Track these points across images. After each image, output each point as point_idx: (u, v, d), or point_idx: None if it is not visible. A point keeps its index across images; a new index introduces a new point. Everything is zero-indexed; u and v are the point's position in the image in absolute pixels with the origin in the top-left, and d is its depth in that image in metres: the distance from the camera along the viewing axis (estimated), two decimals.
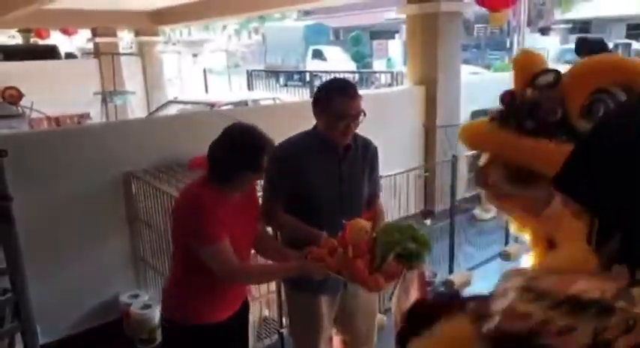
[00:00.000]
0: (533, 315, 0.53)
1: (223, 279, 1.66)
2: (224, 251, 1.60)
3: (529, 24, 21.11)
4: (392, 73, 12.68)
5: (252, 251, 1.92)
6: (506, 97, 0.93)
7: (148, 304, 2.97)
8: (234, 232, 1.64)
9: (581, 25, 22.11)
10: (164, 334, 1.85)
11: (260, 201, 1.92)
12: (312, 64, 19.69)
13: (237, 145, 1.61)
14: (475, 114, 4.86)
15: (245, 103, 6.39)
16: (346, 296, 1.98)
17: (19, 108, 7.27)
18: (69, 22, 8.66)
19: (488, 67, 17.42)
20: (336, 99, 1.78)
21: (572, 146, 0.64)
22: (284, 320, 2.72)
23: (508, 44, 20.87)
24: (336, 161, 1.88)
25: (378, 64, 20.29)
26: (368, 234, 1.63)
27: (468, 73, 8.36)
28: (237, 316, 1.84)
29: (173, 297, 1.78)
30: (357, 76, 13.36)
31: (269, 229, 2.06)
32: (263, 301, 2.83)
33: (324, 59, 20.05)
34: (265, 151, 1.62)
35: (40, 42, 11.73)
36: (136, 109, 8.85)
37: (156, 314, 2.93)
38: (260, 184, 2.00)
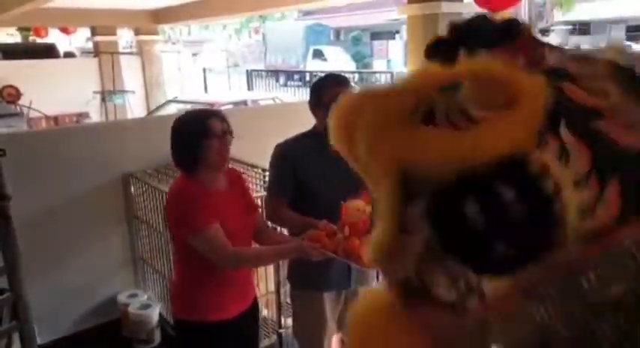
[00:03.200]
0: None
1: (220, 265, 1.67)
2: (215, 236, 1.61)
3: None
4: (392, 73, 12.69)
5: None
6: None
7: (146, 304, 2.96)
8: (225, 219, 1.65)
9: (581, 27, 22.15)
10: (180, 336, 1.84)
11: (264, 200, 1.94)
12: (312, 64, 19.70)
13: (181, 125, 1.72)
14: None
15: (245, 102, 6.39)
16: (349, 295, 1.99)
17: (18, 107, 7.26)
18: (68, 20, 8.65)
19: None
20: (327, 89, 1.82)
21: None
22: (283, 321, 2.71)
23: None
24: (336, 157, 1.88)
25: (379, 65, 20.30)
26: (365, 214, 1.62)
27: None
28: (250, 312, 1.85)
29: (184, 297, 1.79)
30: (357, 76, 13.36)
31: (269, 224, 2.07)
32: (262, 302, 2.82)
33: (325, 59, 20.05)
34: (205, 116, 1.68)
35: (39, 40, 11.71)
36: (135, 108, 8.83)
37: (154, 314, 2.92)
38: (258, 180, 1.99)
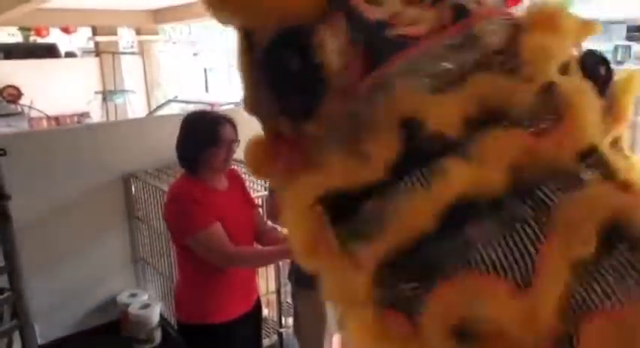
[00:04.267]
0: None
1: (220, 265, 1.67)
2: (215, 236, 1.61)
3: None
4: None
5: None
6: None
7: (146, 304, 2.96)
8: (227, 219, 1.65)
9: None
10: (185, 340, 1.83)
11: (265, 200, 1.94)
12: None
13: (192, 127, 1.71)
14: None
15: None
16: None
17: (19, 107, 7.27)
18: (69, 20, 8.64)
19: None
20: None
21: None
22: (283, 320, 2.71)
23: None
24: None
25: None
26: None
27: None
28: (253, 313, 1.86)
29: (187, 299, 1.78)
30: None
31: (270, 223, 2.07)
32: (263, 301, 2.81)
33: None
34: (218, 123, 1.68)
35: (40, 40, 11.69)
36: (136, 108, 8.83)
37: (155, 314, 2.92)
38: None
